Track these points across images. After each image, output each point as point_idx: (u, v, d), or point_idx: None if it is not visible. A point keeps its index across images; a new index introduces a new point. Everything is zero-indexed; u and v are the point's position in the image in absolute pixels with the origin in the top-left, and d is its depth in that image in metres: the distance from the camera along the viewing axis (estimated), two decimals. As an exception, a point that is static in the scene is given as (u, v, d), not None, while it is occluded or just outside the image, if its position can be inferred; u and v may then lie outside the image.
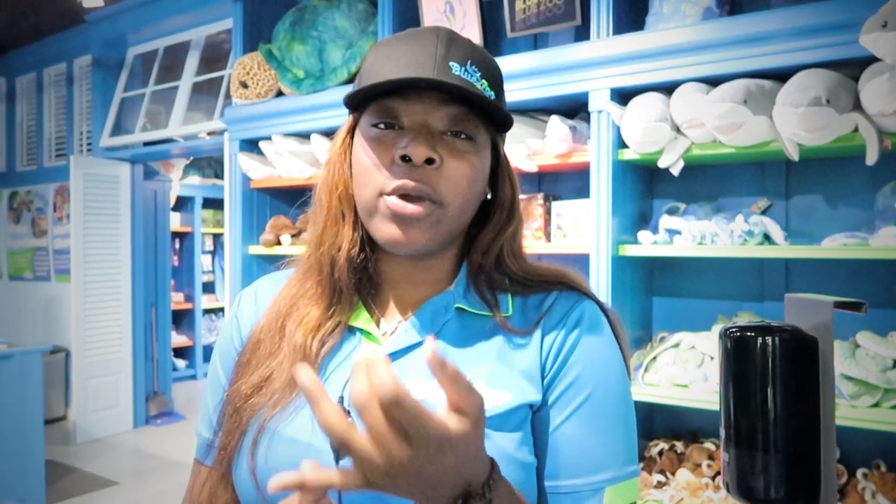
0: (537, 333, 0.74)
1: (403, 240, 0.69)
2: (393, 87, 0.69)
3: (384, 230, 0.69)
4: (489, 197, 0.79)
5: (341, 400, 0.68)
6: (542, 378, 0.72)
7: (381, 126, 0.70)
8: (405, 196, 0.68)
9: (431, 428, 0.47)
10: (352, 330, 0.75)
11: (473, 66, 0.69)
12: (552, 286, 0.78)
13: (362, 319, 0.75)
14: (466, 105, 0.70)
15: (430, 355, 0.46)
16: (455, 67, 0.68)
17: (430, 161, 0.68)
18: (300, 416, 0.69)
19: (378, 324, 0.76)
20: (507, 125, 0.76)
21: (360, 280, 0.76)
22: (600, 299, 0.80)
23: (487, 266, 0.77)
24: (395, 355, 0.72)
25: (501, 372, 0.71)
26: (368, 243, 0.75)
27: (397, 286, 0.78)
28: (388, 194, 0.68)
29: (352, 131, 0.76)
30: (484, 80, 0.70)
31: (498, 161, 0.78)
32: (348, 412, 0.64)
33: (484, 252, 0.77)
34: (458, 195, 0.70)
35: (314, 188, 0.79)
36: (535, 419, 0.72)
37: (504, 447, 0.67)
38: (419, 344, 0.73)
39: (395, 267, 0.77)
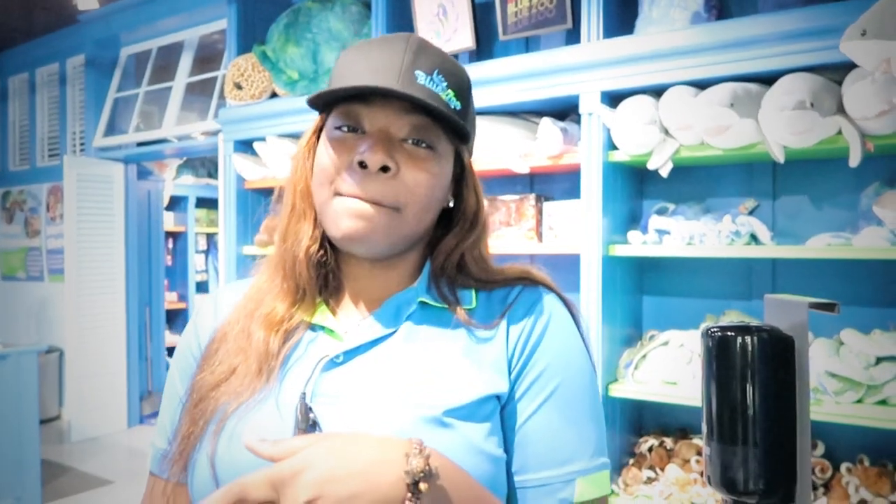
0: (502, 326, 0.75)
1: (354, 237, 0.69)
2: (357, 93, 0.70)
3: (338, 228, 0.70)
4: (452, 205, 0.80)
5: (303, 396, 0.69)
6: (510, 370, 0.73)
7: (344, 129, 0.71)
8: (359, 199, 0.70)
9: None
10: (314, 327, 0.76)
11: (440, 76, 0.70)
12: (516, 282, 0.79)
13: (323, 317, 0.75)
14: (429, 114, 0.71)
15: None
16: (421, 76, 0.69)
17: (385, 169, 0.69)
18: (262, 412, 0.70)
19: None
20: (471, 132, 0.77)
21: (323, 278, 0.77)
22: (562, 293, 0.81)
23: (449, 269, 0.78)
24: (356, 350, 0.73)
25: (467, 364, 0.72)
26: (329, 241, 0.76)
27: (359, 284, 0.78)
28: (343, 195, 0.70)
29: (318, 132, 0.77)
30: (450, 90, 0.71)
31: (462, 170, 0.79)
32: (310, 408, 0.68)
33: (445, 257, 0.78)
34: (415, 202, 0.71)
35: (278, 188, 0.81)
36: (503, 414, 0.72)
37: (471, 438, 0.68)
38: (382, 338, 0.73)
39: (356, 266, 0.77)
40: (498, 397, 0.72)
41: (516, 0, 2.37)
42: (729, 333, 0.64)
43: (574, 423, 0.72)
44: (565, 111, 2.37)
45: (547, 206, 2.37)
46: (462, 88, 0.74)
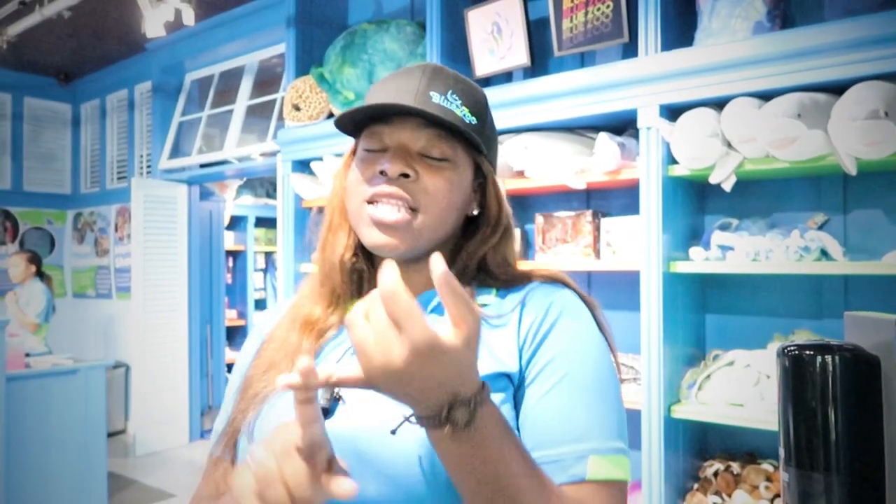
0: (515, 315, 0.79)
1: (384, 245, 0.78)
2: (381, 114, 0.79)
3: (369, 236, 0.79)
4: (476, 213, 0.86)
5: (332, 389, 0.74)
6: (520, 355, 0.76)
7: (370, 149, 0.81)
8: (383, 202, 0.77)
9: (423, 329, 0.52)
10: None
11: (454, 95, 0.80)
12: (534, 279, 0.84)
13: None
14: (443, 128, 0.79)
15: (440, 273, 0.52)
16: (435, 96, 0.78)
17: (405, 175, 0.77)
18: (288, 408, 0.72)
19: None
20: (489, 143, 0.85)
21: (357, 283, 0.84)
22: (582, 292, 0.84)
23: (470, 269, 0.84)
24: None
25: (482, 348, 0.72)
26: (362, 249, 0.84)
27: None
28: (370, 202, 0.78)
29: (353, 154, 0.86)
30: (465, 108, 0.80)
31: (485, 180, 0.85)
32: (340, 397, 0.76)
33: (467, 258, 0.85)
34: (434, 205, 0.78)
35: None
36: (515, 398, 0.75)
37: None
38: None
39: None
40: (509, 376, 0.75)
41: (572, 16, 2.36)
42: (808, 352, 0.61)
43: (587, 406, 0.73)
44: (623, 126, 2.34)
45: (604, 222, 2.33)
46: (477, 106, 0.83)
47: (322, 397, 0.73)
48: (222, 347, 5.79)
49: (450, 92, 0.79)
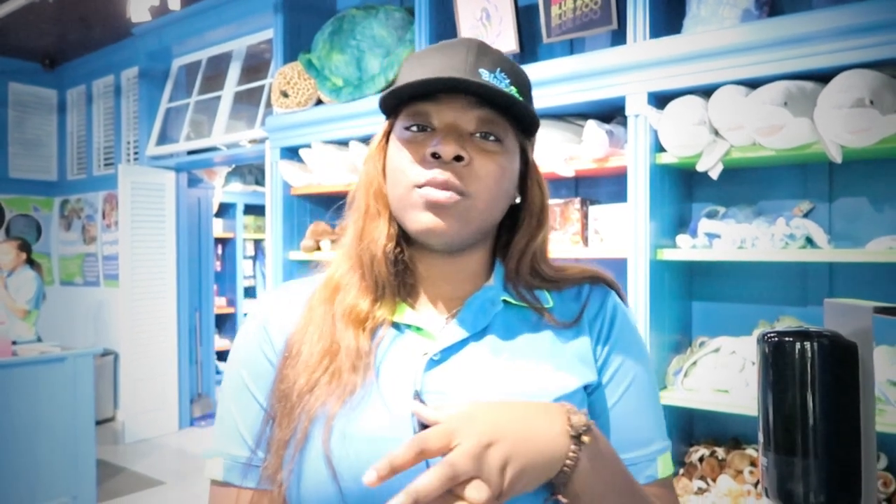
0: (584, 322, 0.79)
1: (435, 228, 0.71)
2: (425, 92, 0.73)
3: (418, 220, 0.72)
4: (518, 201, 0.81)
5: (418, 394, 0.70)
6: (595, 362, 0.78)
7: (414, 128, 0.74)
8: (434, 186, 0.71)
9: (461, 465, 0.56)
10: (397, 326, 0.76)
11: (503, 74, 0.73)
12: (582, 281, 0.83)
13: (409, 316, 0.77)
14: (495, 108, 0.73)
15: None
16: (485, 74, 0.71)
17: (458, 158, 0.71)
18: (368, 410, 0.70)
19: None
20: (535, 127, 0.79)
21: (397, 276, 0.77)
22: (622, 291, 0.86)
23: (523, 270, 0.80)
24: (451, 349, 0.74)
25: (561, 357, 0.76)
26: (404, 239, 0.78)
27: (433, 283, 0.79)
28: (421, 186, 0.71)
29: (387, 136, 0.79)
30: (513, 87, 0.73)
31: (527, 166, 0.81)
32: (423, 400, 0.70)
33: (519, 257, 0.80)
34: (486, 190, 0.73)
35: (350, 191, 0.83)
36: (590, 401, 0.77)
37: None
38: (473, 337, 0.76)
39: (429, 264, 0.79)
40: (586, 388, 0.77)
41: (561, 2, 2.35)
42: (787, 339, 0.61)
43: (649, 407, 0.79)
44: (611, 113, 2.34)
45: (592, 209, 2.33)
46: (524, 85, 0.76)
47: (416, 423, 0.68)
48: (211, 335, 5.78)
49: (498, 69, 0.73)
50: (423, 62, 0.74)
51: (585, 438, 0.61)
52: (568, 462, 0.61)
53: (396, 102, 0.76)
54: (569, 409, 0.63)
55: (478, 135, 0.73)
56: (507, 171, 0.75)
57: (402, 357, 0.74)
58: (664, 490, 0.77)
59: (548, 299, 0.80)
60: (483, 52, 0.73)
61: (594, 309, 0.80)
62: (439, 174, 0.70)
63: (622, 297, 0.84)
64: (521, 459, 0.58)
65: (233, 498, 0.74)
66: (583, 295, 0.81)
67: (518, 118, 0.75)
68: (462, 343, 0.75)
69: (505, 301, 0.78)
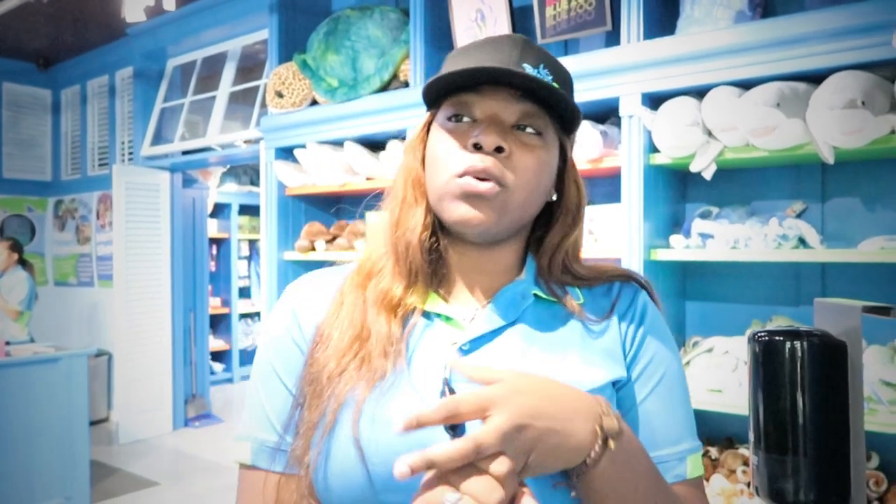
0: (613, 318, 0.79)
1: (472, 219, 0.72)
2: (469, 83, 0.73)
3: (455, 210, 0.73)
4: (555, 198, 0.81)
5: (447, 381, 0.70)
6: (625, 358, 0.78)
7: (456, 119, 0.75)
8: (475, 177, 0.72)
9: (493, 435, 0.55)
10: (427, 315, 0.77)
11: (546, 70, 0.74)
12: (613, 279, 0.83)
13: (440, 305, 0.77)
14: (537, 103, 0.74)
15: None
16: (528, 68, 0.72)
17: (499, 149, 0.71)
18: (399, 396, 0.70)
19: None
20: (575, 124, 0.79)
21: (431, 266, 0.78)
22: (652, 290, 0.85)
23: (555, 267, 0.81)
24: (480, 339, 0.75)
25: (589, 352, 0.76)
26: (439, 229, 0.78)
27: (466, 274, 0.80)
28: (460, 176, 0.72)
29: (427, 127, 0.80)
30: (555, 83, 0.74)
31: (565, 164, 0.81)
32: (452, 390, 0.70)
33: (552, 254, 0.81)
34: (525, 183, 0.73)
35: (394, 178, 0.83)
36: (619, 397, 0.77)
37: None
38: (503, 328, 0.76)
39: (463, 255, 0.79)
40: (614, 383, 0.76)
41: (555, 3, 2.36)
42: (777, 338, 0.62)
43: (679, 406, 0.79)
44: (605, 114, 2.34)
45: (586, 210, 2.33)
46: (566, 83, 0.77)
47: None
48: (206, 335, 5.76)
49: (541, 66, 0.73)
50: (467, 55, 0.75)
51: (611, 443, 0.62)
52: (588, 461, 0.61)
53: (439, 93, 0.76)
54: (604, 409, 0.63)
55: (519, 128, 0.74)
56: (546, 166, 0.76)
57: (432, 346, 0.75)
58: (693, 490, 0.76)
59: (578, 295, 0.81)
60: (527, 47, 0.74)
61: (624, 305, 0.80)
62: (479, 161, 0.71)
63: (653, 298, 0.84)
64: (546, 447, 0.59)
65: (261, 481, 0.75)
66: (613, 292, 0.81)
67: (559, 114, 0.76)
68: (492, 334, 0.75)
69: (536, 295, 0.79)
